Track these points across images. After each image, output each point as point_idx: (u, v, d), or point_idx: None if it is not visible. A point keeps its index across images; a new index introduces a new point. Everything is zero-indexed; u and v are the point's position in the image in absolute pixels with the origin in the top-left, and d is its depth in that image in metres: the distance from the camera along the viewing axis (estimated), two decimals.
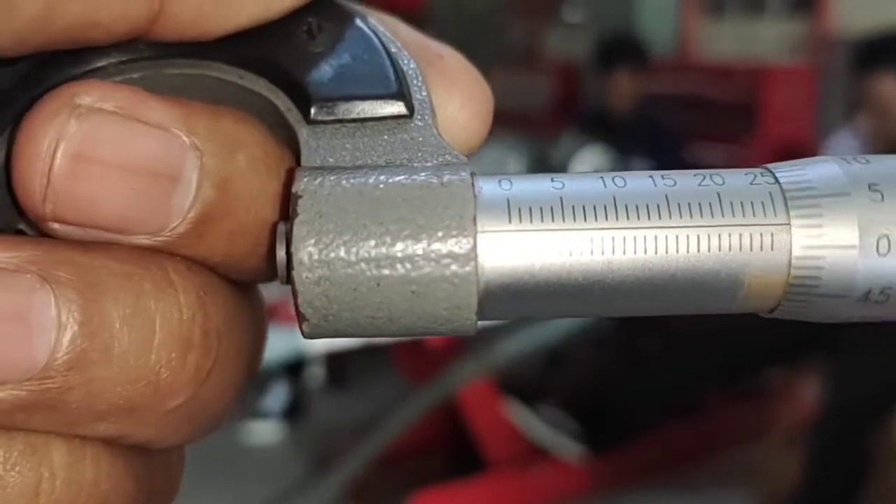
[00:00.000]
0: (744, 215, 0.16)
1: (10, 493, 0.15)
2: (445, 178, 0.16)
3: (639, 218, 0.16)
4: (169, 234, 0.16)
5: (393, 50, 0.18)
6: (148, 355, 0.15)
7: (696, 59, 4.05)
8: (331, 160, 0.17)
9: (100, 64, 0.17)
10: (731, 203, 0.16)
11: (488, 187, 0.16)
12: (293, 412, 2.60)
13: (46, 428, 0.15)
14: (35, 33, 0.15)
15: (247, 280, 0.18)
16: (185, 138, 0.16)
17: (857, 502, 1.74)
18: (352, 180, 0.16)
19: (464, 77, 0.19)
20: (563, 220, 0.16)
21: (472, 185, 0.16)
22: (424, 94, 0.18)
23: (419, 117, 0.18)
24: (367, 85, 0.18)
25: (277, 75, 0.18)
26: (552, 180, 0.17)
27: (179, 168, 0.16)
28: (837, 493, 1.75)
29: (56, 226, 0.15)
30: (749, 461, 2.16)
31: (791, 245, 0.16)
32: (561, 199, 0.16)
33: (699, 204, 0.16)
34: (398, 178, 0.16)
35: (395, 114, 0.18)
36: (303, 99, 0.18)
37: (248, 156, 0.17)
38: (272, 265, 0.16)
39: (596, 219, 0.16)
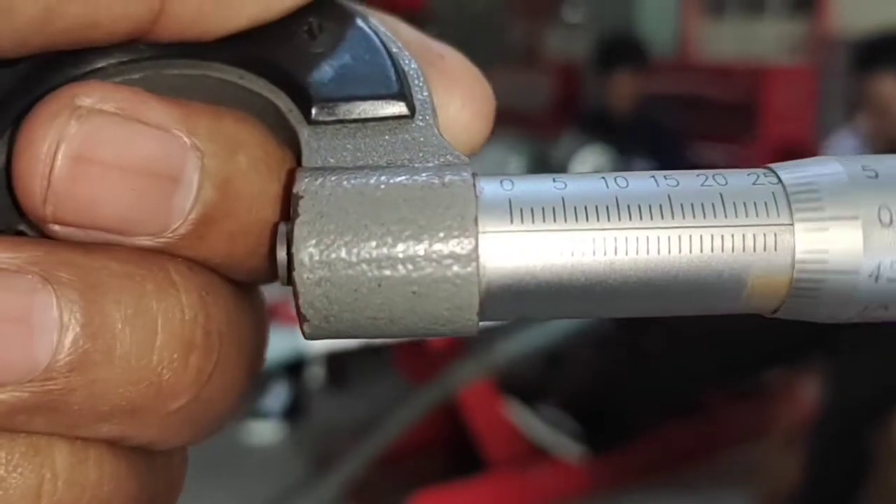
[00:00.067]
0: (747, 216, 0.16)
1: (13, 495, 0.15)
2: (447, 179, 0.16)
3: (641, 218, 0.16)
4: (170, 234, 0.16)
5: (394, 50, 0.18)
6: (150, 356, 0.15)
7: (696, 59, 4.05)
8: (332, 161, 0.17)
9: (100, 65, 0.17)
10: (734, 203, 0.16)
11: (490, 188, 0.16)
12: (293, 412, 2.60)
13: (48, 429, 0.15)
14: (35, 34, 0.15)
15: (248, 281, 0.18)
16: (185, 139, 0.16)
17: (857, 502, 1.74)
18: (353, 181, 0.16)
19: (465, 77, 0.19)
20: (565, 220, 0.16)
21: (474, 185, 0.16)
22: (426, 94, 0.18)
23: (420, 117, 0.18)
24: (368, 85, 0.18)
25: (278, 76, 0.18)
26: (554, 180, 0.17)
27: (180, 169, 0.16)
28: (837, 493, 1.75)
29: (57, 227, 0.15)
30: (749, 461, 2.16)
31: (794, 246, 0.16)
32: (563, 199, 0.16)
33: (702, 204, 0.16)
34: (399, 178, 0.16)
35: (397, 114, 0.18)
36: (304, 99, 0.18)
37: (249, 156, 0.17)
38: (273, 266, 0.16)
39: (598, 219, 0.16)
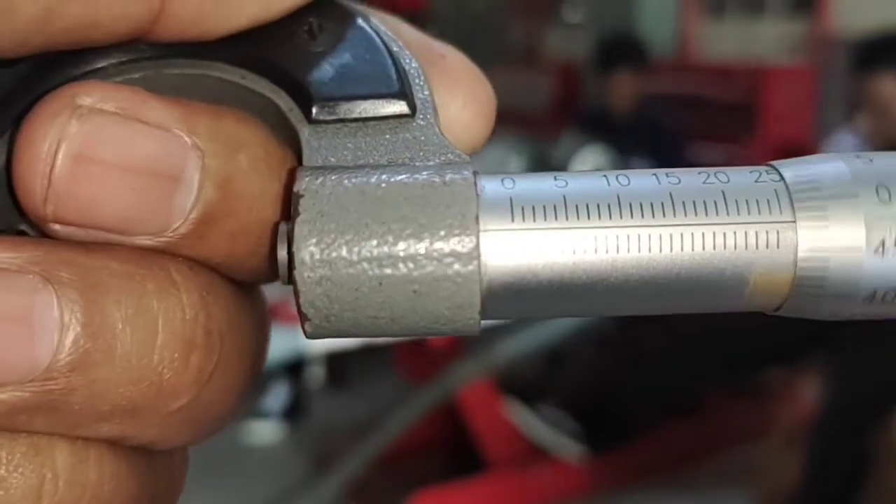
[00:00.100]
0: (749, 213, 0.16)
1: (13, 495, 0.15)
2: (448, 177, 0.16)
3: (643, 216, 0.16)
4: (171, 234, 0.16)
5: (395, 49, 0.18)
6: (151, 356, 0.15)
7: (696, 59, 4.05)
8: (332, 160, 0.17)
9: (100, 64, 0.17)
10: (736, 201, 0.16)
11: (491, 186, 0.16)
12: (293, 412, 2.60)
13: (49, 429, 0.15)
14: (35, 34, 0.15)
15: (249, 280, 0.18)
16: (186, 138, 0.16)
17: (857, 502, 1.74)
18: (353, 179, 0.16)
19: (466, 77, 0.19)
20: (567, 218, 0.16)
21: (475, 183, 0.16)
22: (426, 93, 0.18)
23: (421, 116, 0.18)
24: (368, 84, 0.18)
25: (279, 75, 0.18)
26: (555, 179, 0.16)
27: (181, 168, 0.16)
28: (837, 493, 1.75)
29: (57, 227, 0.15)
30: (749, 461, 2.16)
31: (797, 243, 0.16)
32: (564, 197, 0.16)
33: (704, 202, 0.16)
34: (400, 177, 0.16)
35: (397, 113, 0.17)
36: (304, 98, 0.18)
37: (249, 156, 0.17)
38: (274, 265, 0.16)
39: (600, 217, 0.16)
